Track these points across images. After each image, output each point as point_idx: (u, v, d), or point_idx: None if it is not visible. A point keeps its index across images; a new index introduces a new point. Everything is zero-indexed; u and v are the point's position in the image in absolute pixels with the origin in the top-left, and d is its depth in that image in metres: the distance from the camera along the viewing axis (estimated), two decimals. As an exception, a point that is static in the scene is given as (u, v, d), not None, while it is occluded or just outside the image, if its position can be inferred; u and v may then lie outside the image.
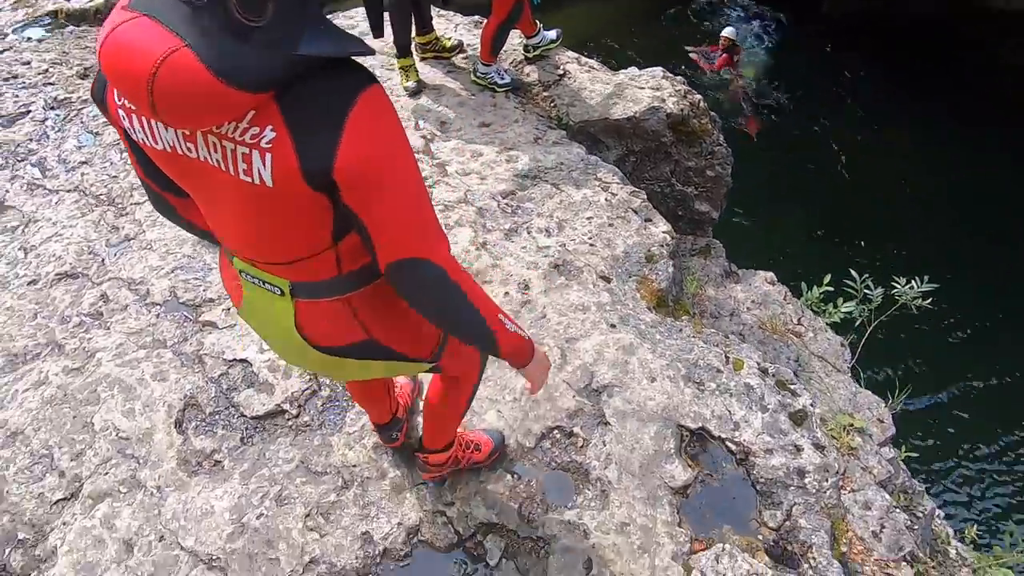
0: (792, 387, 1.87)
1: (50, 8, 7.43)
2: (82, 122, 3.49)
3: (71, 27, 4.92)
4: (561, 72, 3.02)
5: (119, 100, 0.82)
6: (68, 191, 3.02)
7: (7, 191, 3.08)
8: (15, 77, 4.09)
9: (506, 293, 2.22)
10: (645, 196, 2.48)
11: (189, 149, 0.80)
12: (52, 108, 3.71)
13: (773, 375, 1.91)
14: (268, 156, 0.76)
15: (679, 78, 2.97)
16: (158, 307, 2.40)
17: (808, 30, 6.88)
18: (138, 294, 2.45)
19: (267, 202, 0.81)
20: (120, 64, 0.68)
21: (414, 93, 2.93)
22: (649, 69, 3.00)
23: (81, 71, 4.05)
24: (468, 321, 0.94)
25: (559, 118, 2.84)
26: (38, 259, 2.60)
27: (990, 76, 6.11)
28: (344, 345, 1.03)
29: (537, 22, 3.18)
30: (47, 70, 4.09)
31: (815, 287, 2.80)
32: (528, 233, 2.41)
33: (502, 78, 3.05)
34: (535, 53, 3.27)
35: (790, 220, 5.35)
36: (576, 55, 3.13)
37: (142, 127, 0.82)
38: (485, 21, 2.94)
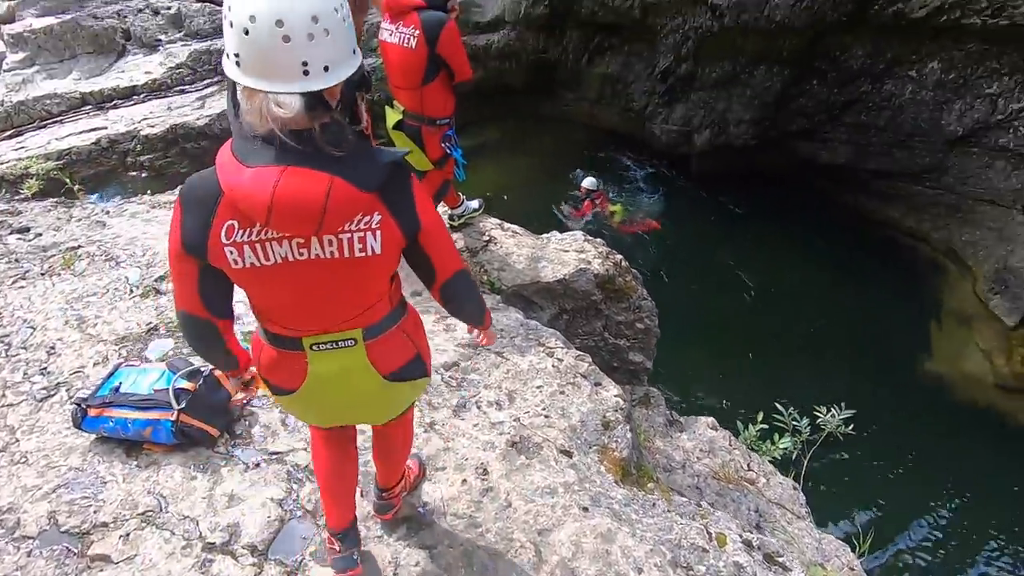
0: (780, 560, 1.78)
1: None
2: (-54, 309, 3.03)
3: None
4: (487, 239, 3.12)
5: (230, 240, 1.08)
6: (-84, 396, 2.51)
7: None
8: None
9: (463, 481, 2.02)
10: (590, 360, 2.49)
11: (300, 254, 1.11)
12: (-93, 293, 3.21)
13: (759, 547, 1.82)
14: (379, 232, 1.11)
15: (599, 240, 3.17)
16: (30, 541, 1.93)
17: (681, 182, 7.90)
18: (4, 526, 1.96)
19: (365, 268, 1.15)
20: (296, 202, 1.00)
21: None
22: (570, 233, 3.20)
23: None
24: (481, 303, 1.47)
25: (491, 283, 2.87)
26: None
27: (846, 216, 7.22)
28: (403, 365, 1.38)
29: (460, 194, 3.34)
30: (-93, 250, 3.61)
31: (750, 425, 2.85)
32: (478, 408, 2.29)
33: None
34: (460, 222, 3.37)
35: (714, 357, 5.65)
36: (499, 221, 3.28)
37: (255, 252, 1.09)
38: None
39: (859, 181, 7.16)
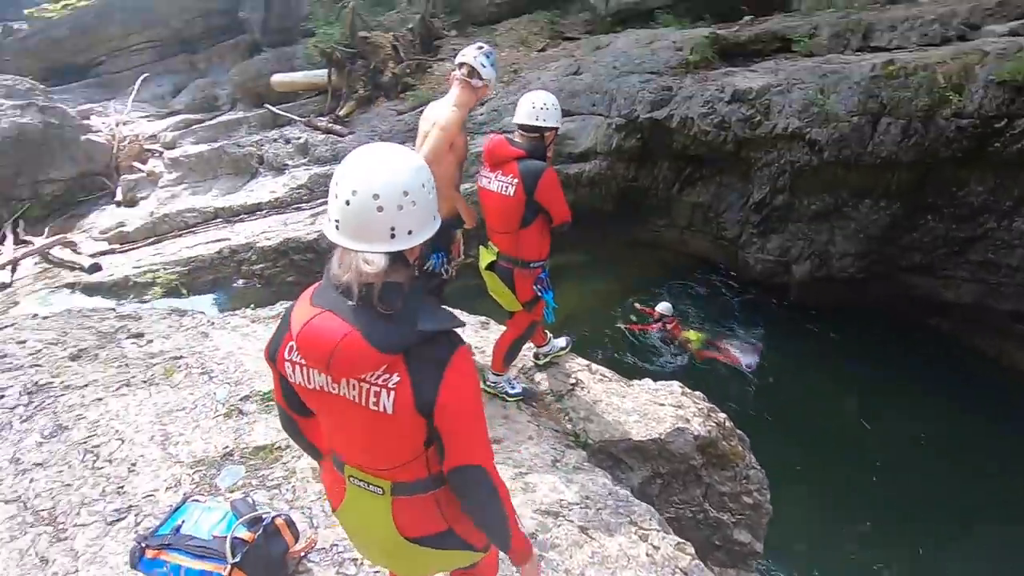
0: None
1: (69, 280, 7.81)
2: (54, 412, 3.20)
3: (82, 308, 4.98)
4: (573, 381, 2.92)
5: (289, 356, 1.24)
6: (6, 502, 2.57)
7: (-67, 502, 2.62)
8: (3, 357, 3.93)
9: None
10: (693, 550, 2.10)
11: (334, 388, 1.19)
12: (29, 392, 3.46)
13: None
14: (392, 393, 1.14)
15: (698, 394, 2.87)
16: None
17: (778, 312, 7.40)
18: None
19: (383, 424, 1.18)
20: (313, 342, 1.13)
21: None
22: (666, 383, 2.92)
23: (75, 352, 3.93)
24: (497, 518, 1.30)
25: (576, 435, 2.62)
26: (-74, 613, 2.03)
27: (979, 361, 6.36)
28: (427, 535, 1.33)
29: (547, 332, 3.24)
30: (40, 351, 3.96)
31: None
32: (556, 594, 1.97)
33: (512, 388, 2.98)
34: (545, 361, 3.25)
35: (832, 528, 4.85)
36: (587, 362, 3.09)
37: (302, 374, 1.22)
38: (502, 332, 2.97)
39: (991, 323, 6.37)
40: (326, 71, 10.81)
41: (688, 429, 2.55)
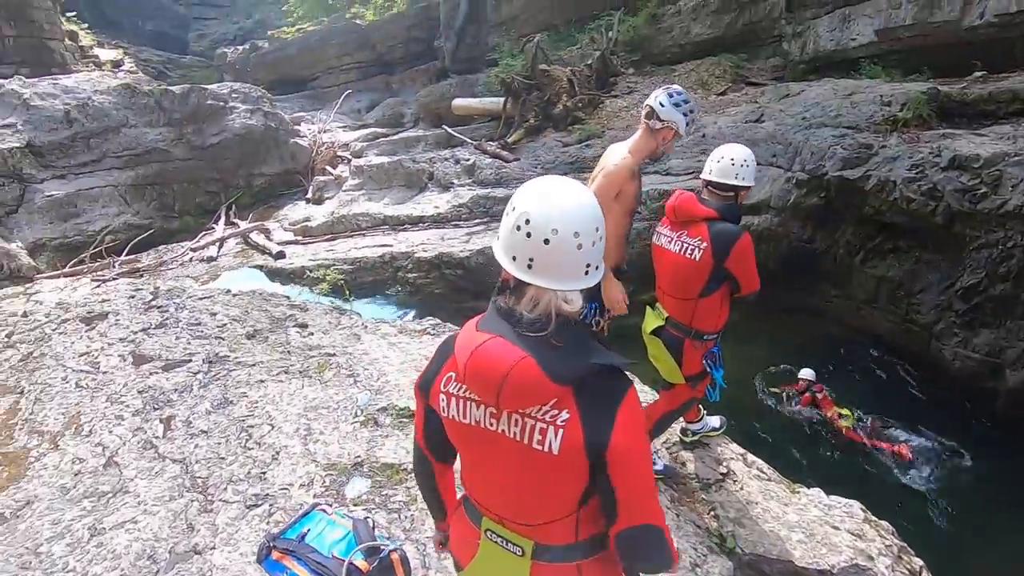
0: None
1: (259, 262, 8.88)
2: (225, 385, 3.56)
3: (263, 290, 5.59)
4: (724, 470, 2.54)
5: (445, 388, 1.18)
6: (174, 461, 2.87)
7: (122, 446, 3.00)
8: (198, 324, 4.49)
9: None
10: None
11: (491, 424, 1.13)
12: (210, 362, 3.90)
13: None
14: (560, 431, 1.07)
15: (886, 524, 2.33)
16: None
17: (980, 422, 6.11)
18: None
19: (543, 467, 1.10)
20: (483, 368, 1.07)
21: None
22: (844, 501, 2.41)
23: (251, 332, 4.38)
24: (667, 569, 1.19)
25: (723, 537, 2.24)
26: (95, 552, 2.28)
27: None
28: None
29: (701, 407, 2.90)
30: (225, 324, 4.47)
31: None
32: None
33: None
34: (693, 439, 2.90)
35: None
36: (742, 451, 2.68)
37: (458, 408, 1.16)
38: (653, 401, 2.71)
39: None
40: (503, 99, 11.33)
41: (871, 570, 2.05)
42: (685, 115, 2.50)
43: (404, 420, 3.04)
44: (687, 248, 2.41)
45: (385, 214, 9.96)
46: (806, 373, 6.32)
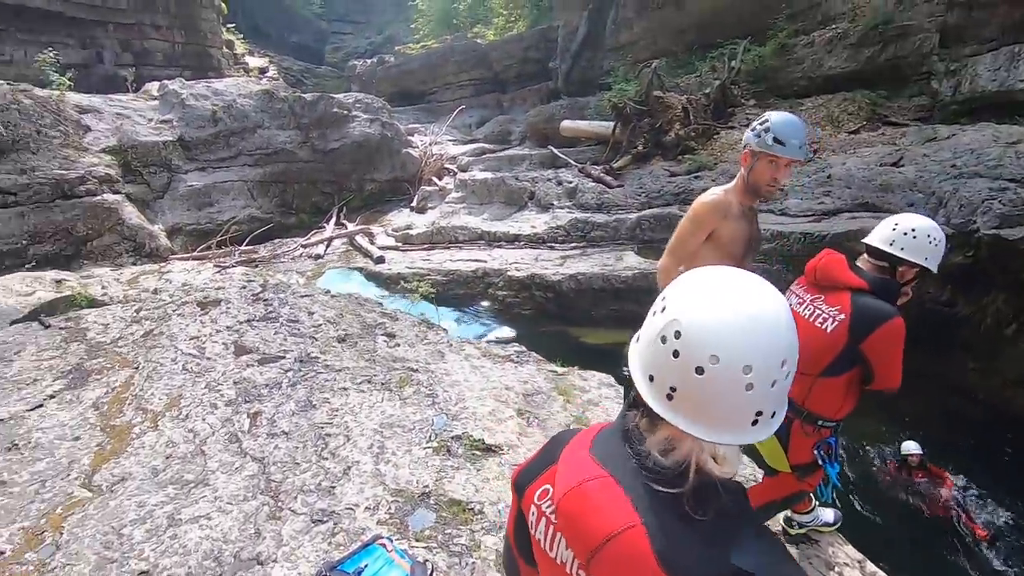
0: None
1: (360, 264, 9.26)
2: (311, 388, 3.63)
3: (358, 294, 5.76)
4: None
5: (538, 501, 0.95)
6: (254, 459, 2.93)
7: (211, 435, 3.12)
8: (296, 322, 4.67)
9: None
10: None
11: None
12: (301, 360, 4.01)
13: None
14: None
15: None
16: None
17: None
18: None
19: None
20: (580, 516, 0.82)
21: None
22: None
23: (342, 335, 4.48)
24: None
25: None
26: (168, 543, 2.33)
27: None
28: None
29: (813, 497, 2.47)
30: (320, 325, 4.62)
31: None
32: None
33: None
34: (799, 531, 2.50)
35: None
36: (859, 557, 2.26)
37: (546, 533, 0.92)
38: (757, 485, 2.38)
39: None
40: (612, 124, 11.15)
41: None
42: (753, 129, 2.16)
43: (477, 453, 2.92)
44: (820, 317, 2.07)
45: (483, 229, 10.07)
46: (911, 447, 5.59)
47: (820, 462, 2.13)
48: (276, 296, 5.16)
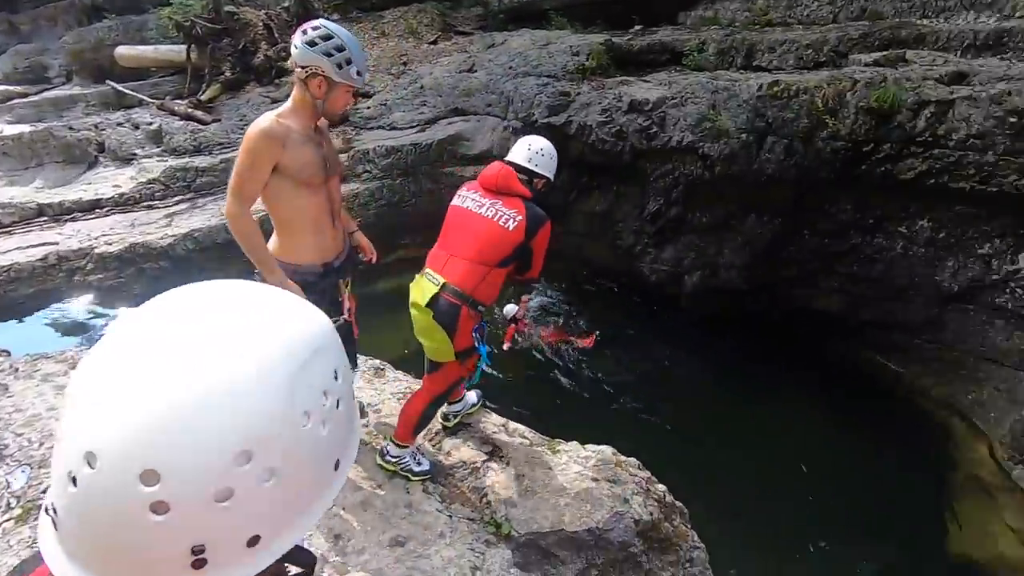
0: None
1: None
2: None
3: None
4: (490, 449, 2.48)
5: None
6: None
7: None
8: None
9: None
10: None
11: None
12: None
13: None
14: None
15: (632, 460, 2.55)
16: None
17: (672, 323, 7.61)
18: None
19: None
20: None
21: None
22: (597, 448, 2.55)
23: None
24: None
25: (498, 524, 2.16)
26: None
27: (847, 368, 6.91)
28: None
29: (463, 386, 2.77)
30: None
31: None
32: None
33: (419, 464, 2.48)
34: (455, 422, 2.78)
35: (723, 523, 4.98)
36: (502, 420, 2.65)
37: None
38: (414, 392, 2.57)
39: (855, 331, 6.92)
40: (184, 47, 9.42)
41: (628, 513, 2.22)
42: (329, 54, 2.00)
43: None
44: (502, 216, 2.39)
45: (39, 201, 7.61)
46: (508, 309, 6.97)
47: (476, 344, 2.42)
48: None
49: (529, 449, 2.46)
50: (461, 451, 2.42)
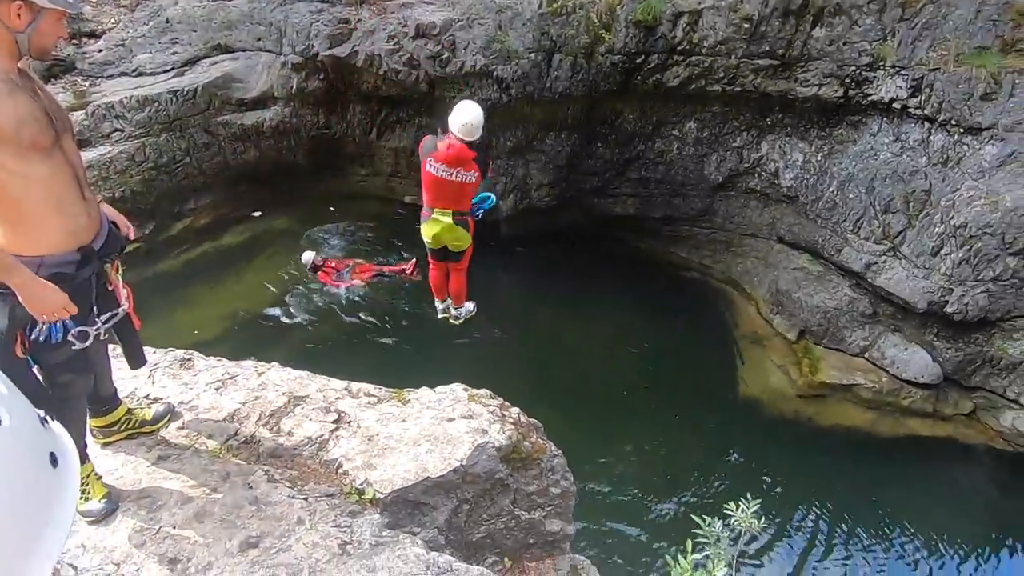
0: None
1: None
2: None
3: None
4: (335, 416, 2.28)
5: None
6: None
7: None
8: None
9: None
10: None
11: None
12: None
13: None
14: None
15: (484, 391, 2.55)
16: None
17: (493, 248, 7.86)
18: None
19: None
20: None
21: (106, 515, 1.80)
22: (448, 389, 2.48)
23: None
24: None
25: (360, 491, 2.02)
26: None
27: (648, 262, 7.82)
28: None
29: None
30: None
31: (680, 558, 2.50)
32: None
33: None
34: (463, 320, 4.60)
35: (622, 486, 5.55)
36: (343, 383, 2.45)
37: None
38: (454, 277, 4.35)
39: (649, 229, 7.79)
40: None
41: (488, 443, 2.23)
42: None
43: None
44: (466, 178, 3.72)
45: None
46: (306, 257, 6.72)
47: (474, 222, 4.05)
48: None
49: (378, 407, 2.35)
50: (304, 427, 2.21)
